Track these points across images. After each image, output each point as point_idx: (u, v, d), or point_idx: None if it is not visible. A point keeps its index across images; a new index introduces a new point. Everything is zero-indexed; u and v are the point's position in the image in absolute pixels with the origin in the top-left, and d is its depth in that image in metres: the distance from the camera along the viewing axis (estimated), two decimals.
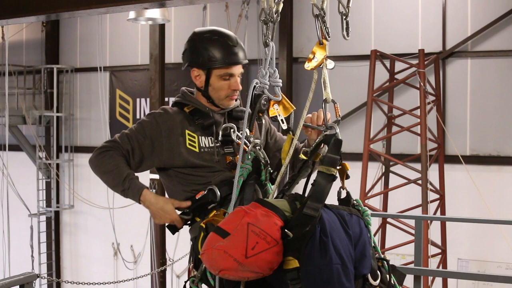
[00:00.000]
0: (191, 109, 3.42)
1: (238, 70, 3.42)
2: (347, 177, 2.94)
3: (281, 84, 3.18)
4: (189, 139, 3.35)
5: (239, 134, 3.33)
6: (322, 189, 2.71)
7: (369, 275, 2.77)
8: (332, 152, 2.82)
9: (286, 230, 2.60)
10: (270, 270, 2.59)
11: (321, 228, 2.62)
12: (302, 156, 3.03)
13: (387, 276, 2.89)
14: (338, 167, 2.84)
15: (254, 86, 3.14)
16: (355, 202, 2.96)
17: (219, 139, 3.34)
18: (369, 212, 2.96)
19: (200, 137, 3.37)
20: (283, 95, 3.20)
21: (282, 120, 3.12)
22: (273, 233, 2.58)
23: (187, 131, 3.37)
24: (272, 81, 3.14)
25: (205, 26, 3.59)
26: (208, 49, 3.36)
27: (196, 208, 3.31)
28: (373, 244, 2.91)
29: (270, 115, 3.19)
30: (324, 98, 2.99)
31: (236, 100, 3.54)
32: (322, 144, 2.98)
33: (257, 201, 2.77)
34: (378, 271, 2.84)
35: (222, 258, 2.55)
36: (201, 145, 3.35)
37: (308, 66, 2.99)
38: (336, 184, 2.85)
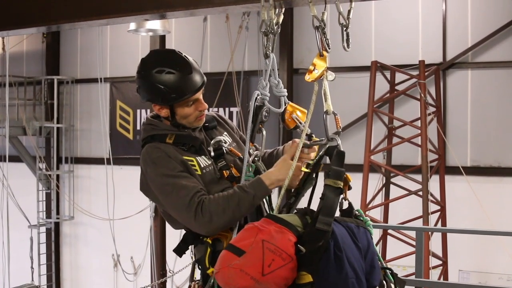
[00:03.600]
0: (173, 139, 3.23)
1: (200, 93, 3.25)
2: (349, 188, 2.93)
3: (286, 94, 3.19)
4: (191, 165, 3.16)
5: (226, 139, 3.32)
6: (331, 203, 2.74)
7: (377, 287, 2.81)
8: (336, 165, 2.83)
9: (299, 246, 2.61)
10: (285, 287, 2.61)
11: (334, 243, 2.64)
12: (304, 169, 3.02)
13: (392, 285, 2.91)
14: None
15: (256, 98, 3.14)
16: (356, 212, 2.97)
17: (212, 155, 3.23)
18: (371, 222, 2.98)
19: (196, 158, 3.21)
20: (292, 103, 3.21)
21: (304, 127, 3.08)
22: (288, 249, 2.60)
23: (184, 158, 3.17)
24: (277, 91, 3.15)
25: (166, 48, 3.44)
26: (163, 86, 3.15)
27: None
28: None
29: (291, 127, 3.18)
30: (325, 110, 2.98)
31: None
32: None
33: (269, 217, 2.77)
34: (383, 281, 2.88)
35: (239, 277, 2.57)
36: (202, 166, 3.19)
37: (308, 77, 2.99)
38: None
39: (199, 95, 3.24)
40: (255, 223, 2.72)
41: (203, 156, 3.23)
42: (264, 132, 3.26)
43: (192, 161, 3.18)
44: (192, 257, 3.40)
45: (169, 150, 3.17)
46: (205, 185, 3.13)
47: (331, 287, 2.60)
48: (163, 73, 3.15)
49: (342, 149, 2.90)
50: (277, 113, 3.24)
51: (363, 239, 2.81)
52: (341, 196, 2.89)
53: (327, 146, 2.95)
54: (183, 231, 3.29)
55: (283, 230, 2.65)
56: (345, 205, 2.95)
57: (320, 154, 2.99)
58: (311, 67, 2.98)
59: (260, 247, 2.57)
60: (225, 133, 3.41)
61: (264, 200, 3.10)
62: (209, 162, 3.23)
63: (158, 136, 3.27)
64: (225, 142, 3.30)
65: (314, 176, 3.04)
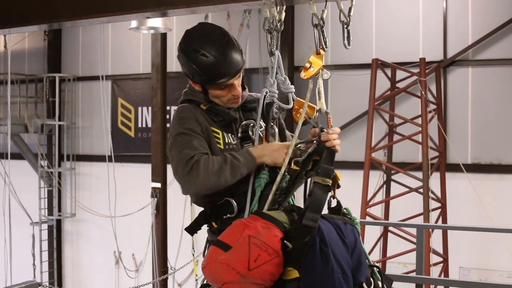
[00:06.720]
0: (207, 107, 3.25)
1: (235, 79, 3.22)
2: (338, 186, 2.97)
3: (294, 90, 3.17)
4: (214, 136, 3.20)
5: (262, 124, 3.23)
6: (319, 200, 2.75)
7: (364, 283, 2.83)
8: (326, 163, 2.85)
9: (285, 241, 2.63)
10: (271, 282, 2.63)
11: (320, 238, 2.66)
12: (294, 167, 3.03)
13: (379, 282, 2.94)
14: None
15: (265, 96, 3.15)
16: (345, 210, 2.99)
17: (239, 136, 3.25)
18: (358, 220, 3.00)
19: (223, 133, 3.22)
20: (300, 99, 3.19)
21: (316, 122, 3.05)
22: (274, 244, 2.62)
23: (211, 128, 3.21)
24: (285, 88, 3.13)
25: (215, 25, 3.35)
26: (196, 67, 3.16)
27: (213, 213, 3.21)
28: None
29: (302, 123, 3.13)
30: (318, 108, 2.99)
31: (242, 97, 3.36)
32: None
33: (256, 213, 2.81)
34: (371, 278, 2.90)
35: (225, 272, 2.59)
36: (226, 142, 3.20)
37: (304, 75, 2.99)
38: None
39: (233, 80, 3.21)
40: (243, 220, 2.76)
41: (230, 134, 3.25)
42: (276, 129, 3.28)
43: (218, 133, 3.21)
44: (193, 254, 3.41)
45: (199, 115, 3.21)
46: None
47: (318, 282, 2.62)
48: (198, 54, 3.15)
49: (332, 148, 2.91)
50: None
51: (350, 236, 2.83)
52: (330, 194, 2.92)
53: (317, 144, 2.96)
54: (184, 226, 3.30)
55: (269, 226, 2.67)
56: (334, 204, 2.98)
57: (309, 151, 2.98)
58: (307, 65, 2.98)
59: (246, 243, 2.60)
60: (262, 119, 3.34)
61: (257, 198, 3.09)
62: (235, 142, 3.24)
63: (195, 101, 3.29)
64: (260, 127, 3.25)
65: (304, 174, 3.02)
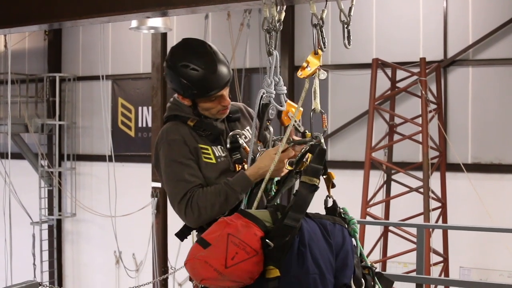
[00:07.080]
0: (195, 122, 3.30)
1: (225, 90, 3.29)
2: (333, 185, 2.97)
3: (286, 92, 3.20)
4: (204, 153, 3.26)
5: (247, 135, 3.34)
6: (303, 200, 2.76)
7: (352, 284, 2.82)
8: (315, 162, 2.85)
9: (267, 240, 2.65)
10: (250, 280, 2.65)
11: (300, 238, 2.68)
12: (288, 167, 3.05)
13: (372, 283, 2.93)
14: (324, 176, 2.88)
15: (261, 96, 3.16)
16: (341, 210, 2.99)
17: (228, 147, 3.30)
18: (356, 220, 2.98)
19: (212, 148, 3.28)
20: (289, 101, 3.23)
21: (299, 124, 3.12)
22: (253, 243, 2.63)
23: (199, 145, 3.26)
24: (278, 89, 3.16)
25: (198, 39, 3.39)
26: (186, 81, 3.21)
27: None
28: (359, 252, 2.94)
29: (286, 125, 3.19)
30: (312, 107, 3.00)
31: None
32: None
33: (239, 212, 2.82)
34: (362, 279, 2.89)
35: (203, 268, 2.63)
36: (217, 155, 3.27)
37: (300, 74, 3.00)
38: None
39: (223, 91, 3.28)
40: (226, 218, 2.78)
41: (219, 146, 3.31)
42: (272, 130, 3.29)
43: (207, 149, 3.27)
44: None
45: (187, 135, 3.27)
46: (220, 173, 3.22)
47: (294, 281, 2.65)
48: (187, 68, 3.19)
49: (324, 147, 2.91)
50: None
51: (337, 237, 2.82)
52: (326, 194, 2.94)
53: (310, 144, 2.96)
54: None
55: (249, 224, 2.69)
56: (330, 203, 2.98)
57: (302, 151, 3.00)
58: (304, 64, 2.99)
59: (224, 240, 2.62)
60: (248, 127, 3.46)
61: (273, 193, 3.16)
62: (224, 154, 3.30)
63: (181, 116, 3.35)
64: (245, 137, 3.35)
65: (295, 173, 3.04)
